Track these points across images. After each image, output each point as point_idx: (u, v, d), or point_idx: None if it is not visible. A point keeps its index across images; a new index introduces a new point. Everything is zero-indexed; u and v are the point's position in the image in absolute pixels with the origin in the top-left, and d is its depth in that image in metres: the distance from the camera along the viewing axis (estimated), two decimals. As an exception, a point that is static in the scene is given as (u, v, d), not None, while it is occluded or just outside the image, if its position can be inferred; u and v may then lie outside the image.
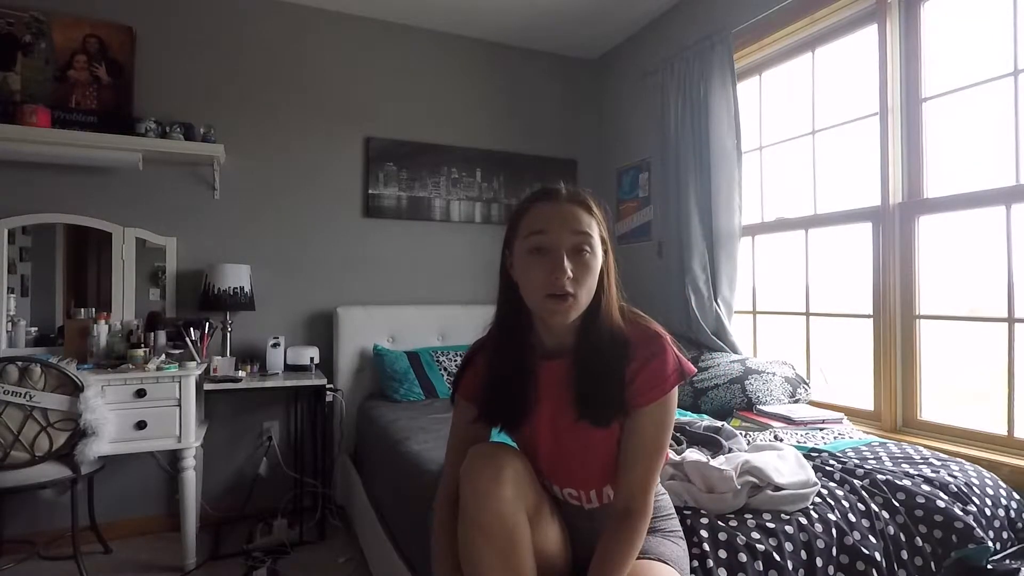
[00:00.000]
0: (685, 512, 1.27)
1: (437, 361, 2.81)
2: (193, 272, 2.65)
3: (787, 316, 2.54)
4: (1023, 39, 1.78)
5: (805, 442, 1.79)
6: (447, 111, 3.19)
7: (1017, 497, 1.53)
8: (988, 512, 1.43)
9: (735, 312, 2.57)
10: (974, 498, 1.43)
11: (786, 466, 1.39)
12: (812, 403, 2.25)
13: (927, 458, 1.60)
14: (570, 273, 0.96)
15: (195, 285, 2.63)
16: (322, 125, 2.92)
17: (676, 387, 1.00)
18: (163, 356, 2.30)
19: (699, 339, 2.55)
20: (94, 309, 2.48)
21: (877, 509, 1.36)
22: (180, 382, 2.16)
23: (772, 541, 1.21)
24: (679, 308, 2.64)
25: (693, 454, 1.44)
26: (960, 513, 1.37)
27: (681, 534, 1.15)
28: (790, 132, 2.52)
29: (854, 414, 2.17)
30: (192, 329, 2.41)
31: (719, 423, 1.77)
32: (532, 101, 3.40)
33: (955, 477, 1.49)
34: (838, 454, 1.64)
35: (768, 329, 2.66)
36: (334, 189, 2.95)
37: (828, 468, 1.52)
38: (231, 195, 2.75)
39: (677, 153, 2.71)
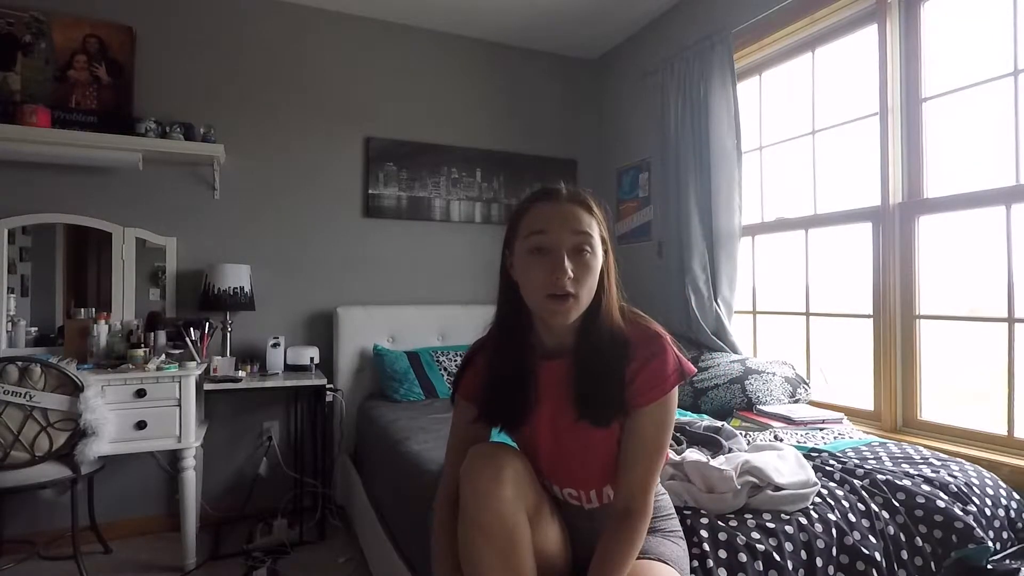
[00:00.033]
0: (685, 512, 1.27)
1: (437, 361, 2.81)
2: (193, 272, 2.65)
3: (787, 316, 2.54)
4: (1023, 39, 1.78)
5: (805, 442, 1.79)
6: (447, 111, 3.19)
7: (1017, 497, 1.53)
8: (988, 512, 1.43)
9: (735, 312, 2.57)
10: (974, 498, 1.43)
11: (786, 466, 1.39)
12: (812, 403, 2.25)
13: (927, 458, 1.60)
14: (571, 273, 0.96)
15: (195, 285, 2.63)
16: (322, 125, 2.92)
17: (676, 387, 1.00)
18: (163, 356, 2.30)
19: (699, 339, 2.55)
20: (94, 309, 2.48)
21: (877, 509, 1.36)
22: (180, 382, 2.16)
23: (772, 541, 1.21)
24: (679, 308, 2.64)
25: (693, 454, 1.44)
26: (960, 513, 1.37)
27: (681, 534, 1.15)
28: (790, 132, 2.52)
29: (854, 414, 2.17)
30: (192, 329, 2.42)
31: (719, 423, 1.77)
32: (532, 101, 3.39)
33: (955, 477, 1.49)
34: (838, 454, 1.64)
35: (768, 329, 2.66)
36: (334, 189, 2.95)
37: (828, 468, 1.52)
38: (231, 195, 2.75)
39: (677, 153, 2.71)
